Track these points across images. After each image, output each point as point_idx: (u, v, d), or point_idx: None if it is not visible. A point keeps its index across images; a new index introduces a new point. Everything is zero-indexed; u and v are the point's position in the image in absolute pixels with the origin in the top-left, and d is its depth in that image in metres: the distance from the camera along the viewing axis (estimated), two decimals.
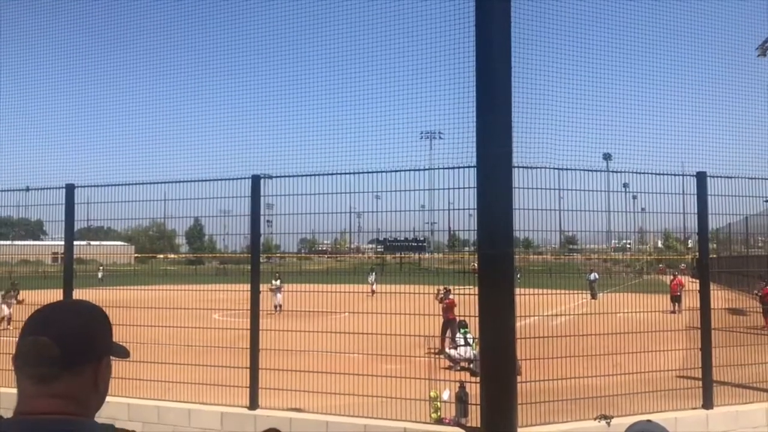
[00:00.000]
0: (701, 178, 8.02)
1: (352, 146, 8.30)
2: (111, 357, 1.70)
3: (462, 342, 14.18)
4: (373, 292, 14.40)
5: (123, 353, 1.73)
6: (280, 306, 19.50)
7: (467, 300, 7.26)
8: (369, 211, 8.50)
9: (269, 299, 19.73)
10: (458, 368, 13.27)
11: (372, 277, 19.90)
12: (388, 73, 8.29)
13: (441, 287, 14.92)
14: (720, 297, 9.08)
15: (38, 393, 1.52)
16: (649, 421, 3.18)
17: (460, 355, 13.88)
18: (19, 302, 15.27)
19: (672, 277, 24.58)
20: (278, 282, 20.74)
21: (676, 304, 19.92)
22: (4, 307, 17.71)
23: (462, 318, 14.27)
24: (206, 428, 7.86)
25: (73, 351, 1.54)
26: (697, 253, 8.71)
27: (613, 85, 8.47)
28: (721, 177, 8.11)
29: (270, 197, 8.29)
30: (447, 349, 14.37)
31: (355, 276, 13.66)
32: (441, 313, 15.66)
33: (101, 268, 16.31)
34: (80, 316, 1.64)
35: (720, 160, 8.35)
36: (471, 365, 13.17)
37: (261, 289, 8.20)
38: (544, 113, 7.50)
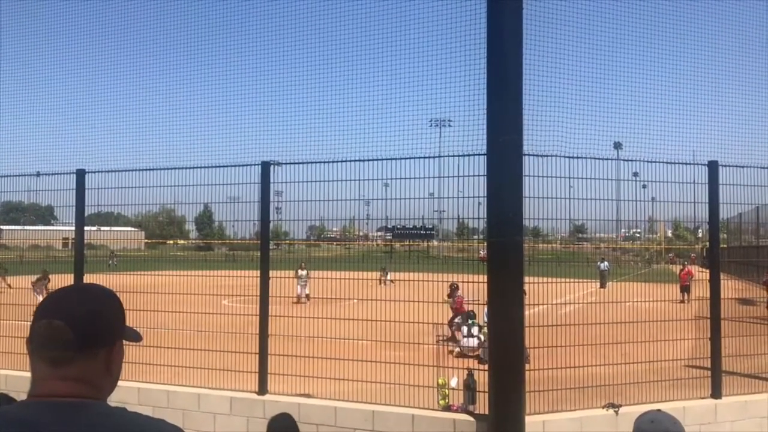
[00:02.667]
0: (713, 167, 7.95)
1: (361, 134, 8.29)
2: (123, 341, 1.71)
3: (466, 332, 14.25)
4: (384, 282, 14.37)
5: (135, 337, 1.74)
6: (308, 295, 19.52)
7: (475, 288, 7.27)
8: (378, 199, 8.50)
9: (293, 287, 19.72)
10: (459, 352, 13.35)
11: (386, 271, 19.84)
12: (397, 60, 8.25)
13: (449, 284, 14.89)
14: (730, 287, 9.04)
15: (52, 376, 1.53)
16: (659, 411, 3.19)
17: (469, 345, 13.95)
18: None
19: (681, 267, 24.57)
20: (305, 272, 20.72)
21: (685, 293, 19.89)
22: (36, 294, 17.84)
23: (471, 309, 14.38)
24: (215, 412, 7.93)
25: (86, 334, 1.55)
26: (708, 243, 8.66)
27: (625, 73, 8.40)
28: (733, 166, 8.05)
29: (279, 184, 8.30)
30: (459, 339, 14.45)
31: (363, 263, 13.68)
32: (451, 307, 15.73)
33: (112, 254, 16.39)
34: (94, 300, 1.65)
35: (731, 149, 8.28)
36: (478, 353, 13.26)
37: (272, 275, 8.22)
38: (554, 101, 7.45)
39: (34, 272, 11.19)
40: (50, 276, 17.23)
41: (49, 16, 10.54)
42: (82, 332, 1.54)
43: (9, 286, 16.27)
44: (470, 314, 14.62)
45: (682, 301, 18.14)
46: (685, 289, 20.63)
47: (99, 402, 1.57)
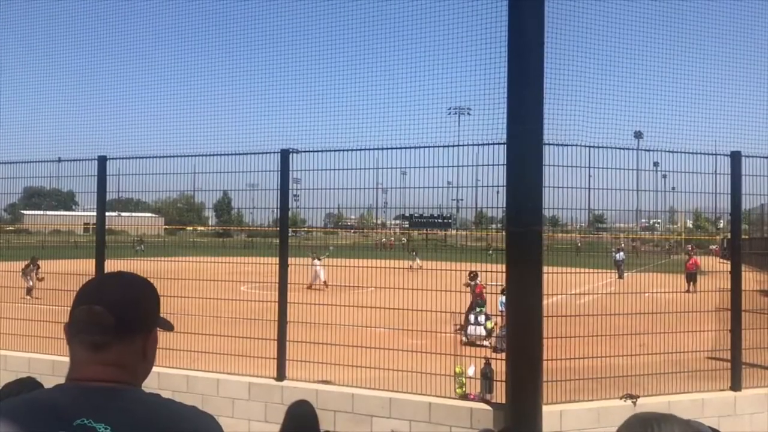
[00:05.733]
0: (735, 157, 7.85)
1: (380, 122, 8.28)
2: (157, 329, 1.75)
3: (473, 320, 14.27)
4: (416, 268, 14.45)
5: (168, 326, 1.79)
6: (321, 281, 19.67)
7: (492, 277, 7.28)
8: (395, 187, 8.51)
9: (310, 274, 19.80)
10: (466, 342, 13.38)
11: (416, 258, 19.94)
12: (417, 48, 8.21)
13: (468, 272, 14.90)
14: (751, 278, 8.94)
15: (91, 360, 1.57)
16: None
17: (477, 333, 13.98)
18: (39, 279, 15.74)
19: (687, 257, 24.33)
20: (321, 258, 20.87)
21: (691, 283, 19.71)
22: (26, 278, 18.20)
23: (484, 298, 14.39)
24: (234, 398, 8.02)
25: (126, 320, 1.59)
26: (729, 234, 8.58)
27: (646, 62, 8.32)
28: (757, 157, 7.94)
29: (297, 172, 8.32)
30: (467, 326, 14.46)
31: (381, 251, 13.72)
32: (470, 293, 15.72)
33: (140, 240, 16.58)
34: (132, 288, 1.69)
35: (754, 138, 8.17)
36: (485, 342, 13.30)
37: (290, 262, 8.26)
38: (575, 90, 7.40)
39: (63, 257, 11.29)
40: (39, 262, 17.50)
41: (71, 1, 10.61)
42: (122, 318, 1.58)
43: (40, 279, 16.34)
44: (479, 302, 14.61)
45: (688, 291, 17.94)
46: (691, 277, 20.43)
47: (134, 388, 1.61)
